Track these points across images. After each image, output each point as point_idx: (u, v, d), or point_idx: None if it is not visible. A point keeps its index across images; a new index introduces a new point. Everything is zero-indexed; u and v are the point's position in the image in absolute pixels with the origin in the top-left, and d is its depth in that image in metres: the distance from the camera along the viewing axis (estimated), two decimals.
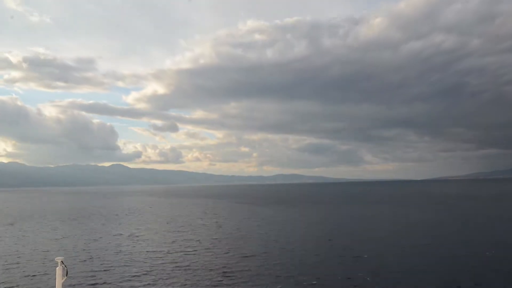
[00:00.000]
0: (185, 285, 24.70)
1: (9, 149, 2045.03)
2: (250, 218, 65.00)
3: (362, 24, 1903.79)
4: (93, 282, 25.31)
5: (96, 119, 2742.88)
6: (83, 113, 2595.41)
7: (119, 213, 77.94)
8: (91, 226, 57.52)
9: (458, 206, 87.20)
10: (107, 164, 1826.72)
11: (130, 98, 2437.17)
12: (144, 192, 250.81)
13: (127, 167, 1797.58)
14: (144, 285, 24.56)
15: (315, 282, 24.82)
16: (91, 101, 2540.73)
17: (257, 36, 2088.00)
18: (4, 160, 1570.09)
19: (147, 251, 35.70)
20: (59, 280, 11.40)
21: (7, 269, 29.49)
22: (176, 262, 30.91)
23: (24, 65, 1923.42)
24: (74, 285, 24.26)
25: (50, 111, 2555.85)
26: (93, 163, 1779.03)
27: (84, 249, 37.10)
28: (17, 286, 24.73)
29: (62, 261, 11.51)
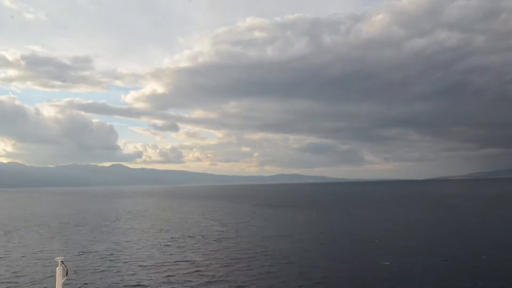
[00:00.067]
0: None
1: (9, 149, 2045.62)
2: (249, 222, 62.59)
3: (363, 20, 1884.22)
4: (93, 282, 25.28)
5: (95, 119, 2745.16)
6: (82, 112, 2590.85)
7: (110, 218, 71.60)
8: (75, 238, 47.78)
9: (456, 206, 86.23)
10: (107, 164, 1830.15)
11: (129, 98, 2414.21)
12: (143, 193, 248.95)
13: (127, 167, 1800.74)
14: (144, 285, 24.54)
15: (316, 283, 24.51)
16: (89, 101, 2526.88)
17: (257, 34, 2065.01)
18: (4, 160, 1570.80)
19: (140, 264, 32.22)
20: (59, 280, 11.38)
21: (7, 269, 29.58)
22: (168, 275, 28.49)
23: (21, 63, 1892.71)
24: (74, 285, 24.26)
25: (48, 111, 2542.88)
26: (93, 163, 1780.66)
27: (83, 251, 36.87)
28: (17, 286, 24.76)
29: (62, 261, 11.49)
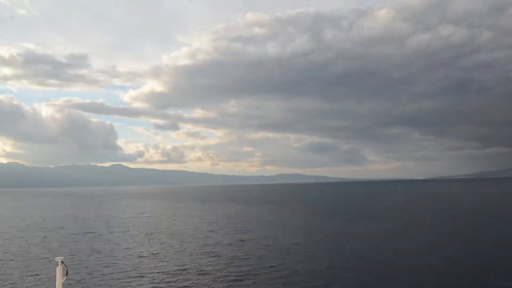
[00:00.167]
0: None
1: (8, 149, 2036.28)
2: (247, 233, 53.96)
3: (366, 16, 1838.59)
4: (93, 282, 25.42)
5: (94, 118, 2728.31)
6: (81, 112, 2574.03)
7: (84, 231, 56.17)
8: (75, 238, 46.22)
9: (453, 206, 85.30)
10: (107, 164, 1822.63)
11: (127, 97, 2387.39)
12: (141, 194, 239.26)
13: (127, 167, 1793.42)
14: (144, 284, 24.75)
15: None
16: (87, 100, 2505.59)
17: (257, 30, 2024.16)
18: (3, 160, 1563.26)
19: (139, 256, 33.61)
20: (59, 280, 11.43)
21: (7, 269, 29.63)
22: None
23: (16, 61, 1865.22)
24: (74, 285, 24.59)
25: (46, 110, 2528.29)
26: (93, 163, 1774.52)
27: (83, 250, 36.77)
28: (17, 286, 24.91)
29: (62, 261, 11.54)
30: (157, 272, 27.51)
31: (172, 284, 24.69)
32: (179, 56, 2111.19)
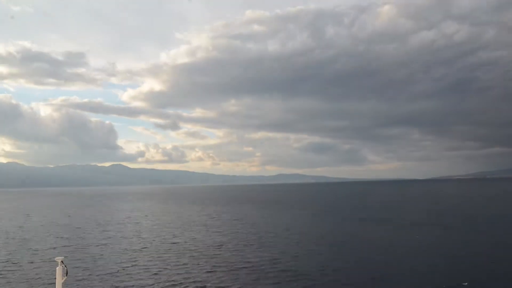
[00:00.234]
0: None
1: (7, 148, 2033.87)
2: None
3: (368, 12, 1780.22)
4: (93, 282, 25.42)
5: (93, 118, 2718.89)
6: (80, 111, 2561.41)
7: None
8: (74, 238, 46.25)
9: (453, 206, 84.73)
10: (107, 164, 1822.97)
11: (126, 96, 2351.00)
12: (138, 195, 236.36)
13: (127, 167, 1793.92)
14: (144, 285, 24.73)
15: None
16: (85, 99, 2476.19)
17: (257, 27, 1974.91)
18: (3, 160, 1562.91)
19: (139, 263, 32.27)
20: (59, 280, 11.43)
21: (6, 269, 29.64)
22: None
23: (12, 59, 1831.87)
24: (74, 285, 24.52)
25: (45, 110, 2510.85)
26: (93, 163, 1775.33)
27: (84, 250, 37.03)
28: (17, 286, 24.95)
29: (62, 261, 11.54)
30: (157, 272, 27.53)
31: (172, 283, 24.74)
32: (178, 54, 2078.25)
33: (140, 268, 29.10)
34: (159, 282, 25.02)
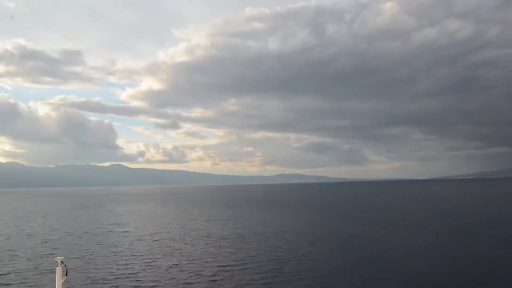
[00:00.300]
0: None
1: (6, 148, 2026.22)
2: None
3: (370, 9, 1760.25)
4: (92, 282, 25.54)
5: (92, 117, 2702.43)
6: (79, 111, 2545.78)
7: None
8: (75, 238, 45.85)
9: (453, 206, 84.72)
10: (107, 164, 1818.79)
11: (125, 95, 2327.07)
12: (135, 195, 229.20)
13: (127, 167, 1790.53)
14: (144, 285, 24.86)
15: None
16: (83, 99, 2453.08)
17: (256, 25, 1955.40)
18: (2, 160, 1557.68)
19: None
20: (59, 280, 11.44)
21: (7, 269, 29.67)
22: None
23: (8, 57, 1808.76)
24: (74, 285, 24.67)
25: (42, 109, 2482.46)
26: (92, 163, 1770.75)
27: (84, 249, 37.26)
28: (17, 286, 24.97)
29: (62, 261, 11.55)
30: (157, 272, 27.53)
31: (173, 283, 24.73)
32: (176, 52, 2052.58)
33: (140, 268, 29.03)
34: (160, 282, 24.87)
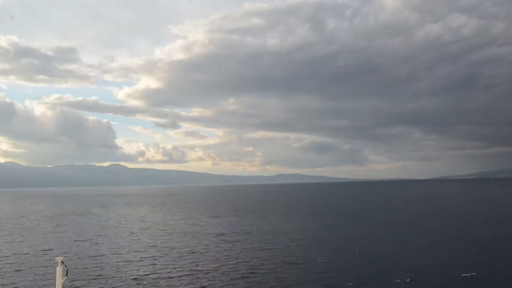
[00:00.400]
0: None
1: (4, 147, 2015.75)
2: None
3: (372, 4, 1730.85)
4: (92, 282, 25.64)
5: (89, 117, 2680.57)
6: (76, 110, 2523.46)
7: None
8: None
9: (453, 206, 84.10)
10: (106, 164, 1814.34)
11: (122, 94, 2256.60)
12: (131, 196, 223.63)
13: (126, 167, 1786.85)
14: (144, 284, 25.17)
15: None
16: (79, 98, 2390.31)
17: (255, 21, 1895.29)
18: (1, 159, 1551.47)
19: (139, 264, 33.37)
20: (59, 280, 11.46)
21: (7, 269, 29.94)
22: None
23: (2, 54, 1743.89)
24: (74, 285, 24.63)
25: (38, 108, 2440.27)
26: (91, 163, 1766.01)
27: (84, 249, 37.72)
28: (17, 286, 25.00)
29: (62, 261, 11.57)
30: (157, 273, 27.82)
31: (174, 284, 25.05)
32: (173, 49, 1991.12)
33: (139, 268, 29.21)
34: (159, 281, 25.26)
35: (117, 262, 31.58)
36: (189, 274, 27.53)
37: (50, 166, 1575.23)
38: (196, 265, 30.33)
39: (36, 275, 27.53)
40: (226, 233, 47.69)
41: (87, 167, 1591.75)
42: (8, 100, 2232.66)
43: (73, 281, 25.15)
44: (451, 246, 35.56)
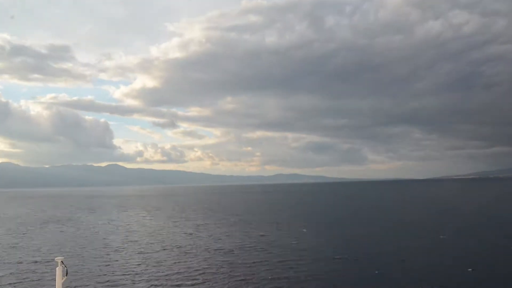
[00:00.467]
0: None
1: (1, 147, 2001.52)
2: None
3: (372, 0, 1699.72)
4: (92, 282, 25.34)
5: (86, 116, 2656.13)
6: (72, 110, 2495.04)
7: None
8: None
9: (453, 206, 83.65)
10: (103, 164, 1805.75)
11: (118, 93, 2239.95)
12: (126, 198, 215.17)
13: (123, 167, 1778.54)
14: (144, 284, 24.75)
15: None
16: (75, 97, 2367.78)
17: (253, 18, 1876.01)
18: None
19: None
20: (59, 280, 11.45)
21: (7, 269, 29.62)
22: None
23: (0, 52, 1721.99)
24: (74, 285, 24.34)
25: (34, 108, 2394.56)
26: (89, 163, 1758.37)
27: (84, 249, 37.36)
28: (17, 286, 24.75)
29: (62, 261, 11.55)
30: (156, 273, 27.52)
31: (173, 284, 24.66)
32: (169, 47, 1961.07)
33: (139, 268, 28.93)
34: (159, 280, 25.03)
35: (119, 261, 30.77)
36: None
37: (47, 166, 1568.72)
38: None
39: (36, 274, 27.29)
40: (226, 247, 40.66)
41: (84, 167, 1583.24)
42: (3, 99, 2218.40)
43: None
44: (451, 246, 35.33)
